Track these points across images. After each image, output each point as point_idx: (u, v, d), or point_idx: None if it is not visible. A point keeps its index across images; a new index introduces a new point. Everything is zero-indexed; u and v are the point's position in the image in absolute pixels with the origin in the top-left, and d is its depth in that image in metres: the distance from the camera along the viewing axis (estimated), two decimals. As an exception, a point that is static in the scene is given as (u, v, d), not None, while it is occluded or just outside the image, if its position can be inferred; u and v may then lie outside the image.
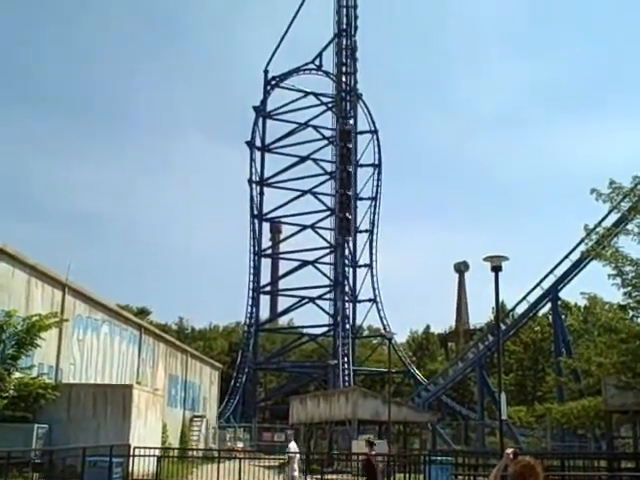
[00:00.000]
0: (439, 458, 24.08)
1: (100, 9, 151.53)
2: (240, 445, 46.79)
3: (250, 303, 70.94)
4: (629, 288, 21.29)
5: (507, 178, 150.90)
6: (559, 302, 51.96)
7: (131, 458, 19.99)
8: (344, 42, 72.18)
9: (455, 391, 64.18)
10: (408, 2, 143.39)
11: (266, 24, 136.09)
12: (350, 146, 69.07)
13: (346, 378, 61.98)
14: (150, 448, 21.13)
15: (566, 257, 49.26)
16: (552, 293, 50.62)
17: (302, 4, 72.06)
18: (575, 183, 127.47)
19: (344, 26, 72.38)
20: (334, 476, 25.59)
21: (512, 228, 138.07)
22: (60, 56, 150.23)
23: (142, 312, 75.72)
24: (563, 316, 52.67)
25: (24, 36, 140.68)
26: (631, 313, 22.46)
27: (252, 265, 71.29)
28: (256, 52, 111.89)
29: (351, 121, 72.77)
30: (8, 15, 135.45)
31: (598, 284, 24.87)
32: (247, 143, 72.62)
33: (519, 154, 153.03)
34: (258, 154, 72.68)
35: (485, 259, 18.31)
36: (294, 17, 72.32)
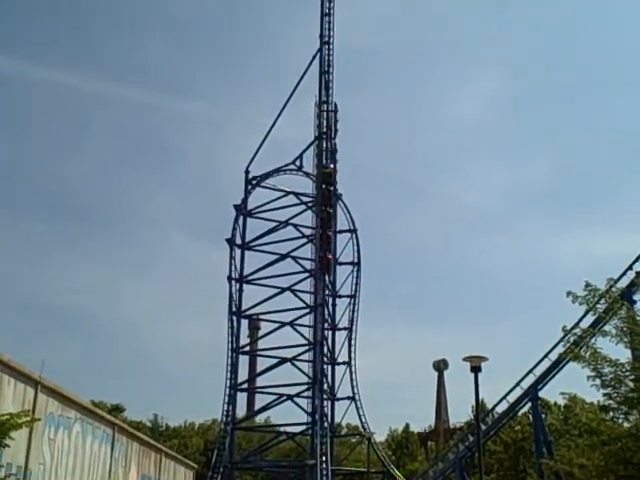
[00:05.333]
0: None
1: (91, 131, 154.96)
2: None
3: (227, 401, 69.60)
4: (609, 389, 21.23)
5: (488, 276, 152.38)
6: (539, 401, 51.65)
7: None
8: (324, 144, 73.87)
9: (436, 493, 62.62)
10: (387, 106, 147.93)
11: (248, 126, 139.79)
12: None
13: (324, 478, 60.41)
14: None
15: (545, 356, 49.36)
16: (532, 393, 50.37)
17: (284, 108, 74.08)
18: (555, 282, 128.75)
19: (324, 129, 74.21)
20: None
21: (492, 326, 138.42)
22: (47, 158, 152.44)
23: (116, 409, 74.21)
24: (543, 415, 52.20)
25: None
26: (611, 414, 22.34)
27: (230, 362, 70.39)
28: (238, 153, 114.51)
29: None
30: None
31: (578, 383, 24.83)
32: (227, 241, 73.06)
33: (500, 253, 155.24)
34: (238, 251, 73.01)
35: (465, 359, 18.36)
36: (276, 120, 74.15)
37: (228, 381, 70.69)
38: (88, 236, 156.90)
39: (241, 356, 73.35)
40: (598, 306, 23.03)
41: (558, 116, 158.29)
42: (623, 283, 33.06)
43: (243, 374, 75.62)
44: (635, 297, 25.31)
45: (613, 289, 22.90)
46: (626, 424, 22.24)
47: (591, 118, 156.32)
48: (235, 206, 74.85)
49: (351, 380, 72.40)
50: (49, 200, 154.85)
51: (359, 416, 70.95)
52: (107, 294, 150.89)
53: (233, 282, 72.38)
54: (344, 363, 73.20)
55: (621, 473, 21.00)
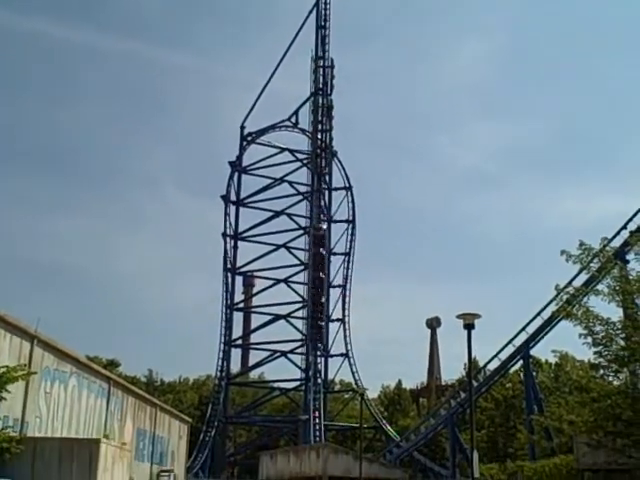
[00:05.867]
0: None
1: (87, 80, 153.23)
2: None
3: (221, 356, 70.34)
4: (600, 347, 21.50)
5: (482, 235, 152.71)
6: (530, 359, 52.16)
7: (96, 515, 19.46)
8: (320, 100, 73.37)
9: (427, 447, 63.64)
10: (385, 63, 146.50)
11: (244, 82, 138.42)
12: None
13: (317, 433, 61.27)
14: (116, 505, 20.62)
15: (537, 315, 49.65)
16: (524, 350, 50.81)
17: (280, 63, 73.43)
18: (548, 242, 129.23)
19: (320, 85, 73.65)
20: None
21: (485, 284, 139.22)
22: (43, 112, 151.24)
23: (111, 364, 74.65)
24: (534, 373, 52.77)
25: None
26: (602, 372, 22.64)
27: (224, 318, 70.93)
28: (234, 109, 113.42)
29: (326, 177, 73.83)
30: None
31: (569, 342, 25.13)
32: (222, 197, 73.05)
33: (495, 212, 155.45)
34: (233, 208, 73.08)
35: (458, 317, 18.45)
36: (271, 75, 73.59)
37: (222, 337, 71.34)
38: (82, 191, 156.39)
39: (235, 313, 73.89)
40: (592, 265, 23.19)
41: (558, 76, 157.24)
42: (617, 243, 33.24)
43: (237, 330, 76.35)
44: (628, 257, 25.35)
45: (607, 248, 23.05)
46: (616, 382, 22.57)
47: (592, 80, 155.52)
48: (230, 163, 74.64)
49: (345, 337, 73.13)
50: (42, 155, 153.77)
51: (352, 373, 71.85)
52: (101, 250, 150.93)
53: (228, 239, 72.59)
54: (338, 320, 73.78)
55: (610, 429, 21.38)
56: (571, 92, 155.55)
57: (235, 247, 72.30)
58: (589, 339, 21.45)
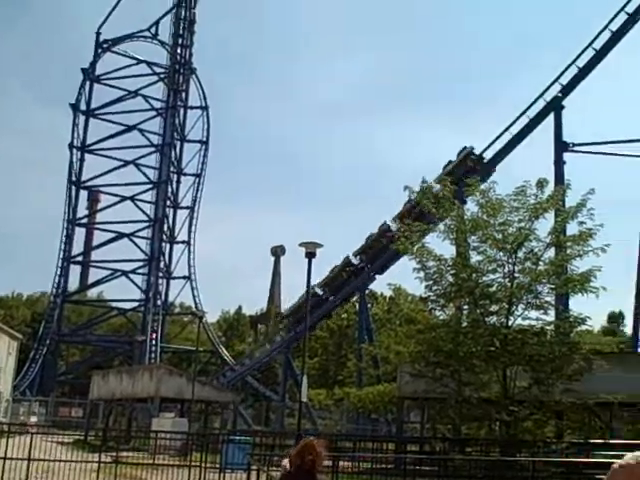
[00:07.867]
0: (237, 438, 24.42)
1: None
2: (34, 420, 44.73)
3: (59, 273, 68.09)
4: (430, 282, 22.47)
5: (331, 165, 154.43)
6: (367, 292, 54.05)
7: None
8: (182, 13, 70.84)
9: (261, 373, 65.11)
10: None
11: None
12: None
13: (152, 355, 61.08)
14: None
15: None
16: (360, 283, 52.54)
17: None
18: (396, 177, 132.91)
19: (184, -4, 71.03)
20: (131, 454, 25.01)
21: (331, 215, 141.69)
22: None
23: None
24: (370, 305, 54.82)
25: None
26: (430, 306, 23.79)
27: (65, 233, 68.43)
28: (90, 11, 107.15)
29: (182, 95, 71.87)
30: None
31: (405, 278, 26.18)
32: (71, 106, 69.48)
33: (345, 143, 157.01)
34: (82, 118, 69.75)
35: (301, 245, 18.66)
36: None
37: (62, 253, 68.87)
38: None
39: (77, 228, 71.29)
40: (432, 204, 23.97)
41: (411, 12, 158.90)
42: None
43: (78, 247, 73.94)
44: (466, 197, 26.46)
45: (446, 189, 23.88)
46: (442, 316, 23.83)
47: (441, 21, 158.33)
48: (82, 69, 70.86)
49: (189, 260, 72.64)
50: None
51: (193, 296, 71.74)
52: None
53: (74, 150, 69.40)
54: (183, 242, 73.05)
55: (432, 360, 22.57)
56: (421, 31, 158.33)
57: (82, 160, 69.38)
58: (422, 274, 22.38)
